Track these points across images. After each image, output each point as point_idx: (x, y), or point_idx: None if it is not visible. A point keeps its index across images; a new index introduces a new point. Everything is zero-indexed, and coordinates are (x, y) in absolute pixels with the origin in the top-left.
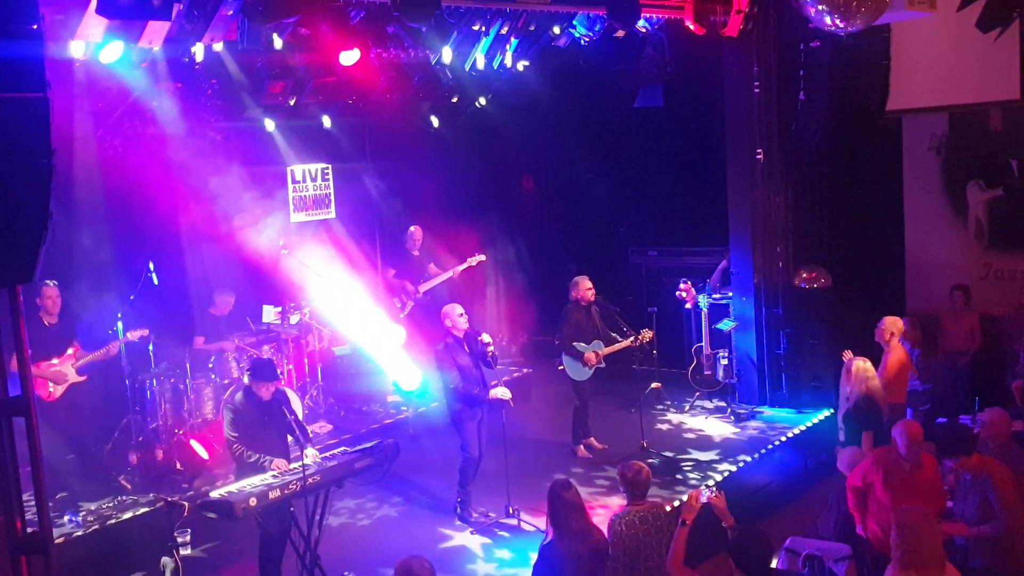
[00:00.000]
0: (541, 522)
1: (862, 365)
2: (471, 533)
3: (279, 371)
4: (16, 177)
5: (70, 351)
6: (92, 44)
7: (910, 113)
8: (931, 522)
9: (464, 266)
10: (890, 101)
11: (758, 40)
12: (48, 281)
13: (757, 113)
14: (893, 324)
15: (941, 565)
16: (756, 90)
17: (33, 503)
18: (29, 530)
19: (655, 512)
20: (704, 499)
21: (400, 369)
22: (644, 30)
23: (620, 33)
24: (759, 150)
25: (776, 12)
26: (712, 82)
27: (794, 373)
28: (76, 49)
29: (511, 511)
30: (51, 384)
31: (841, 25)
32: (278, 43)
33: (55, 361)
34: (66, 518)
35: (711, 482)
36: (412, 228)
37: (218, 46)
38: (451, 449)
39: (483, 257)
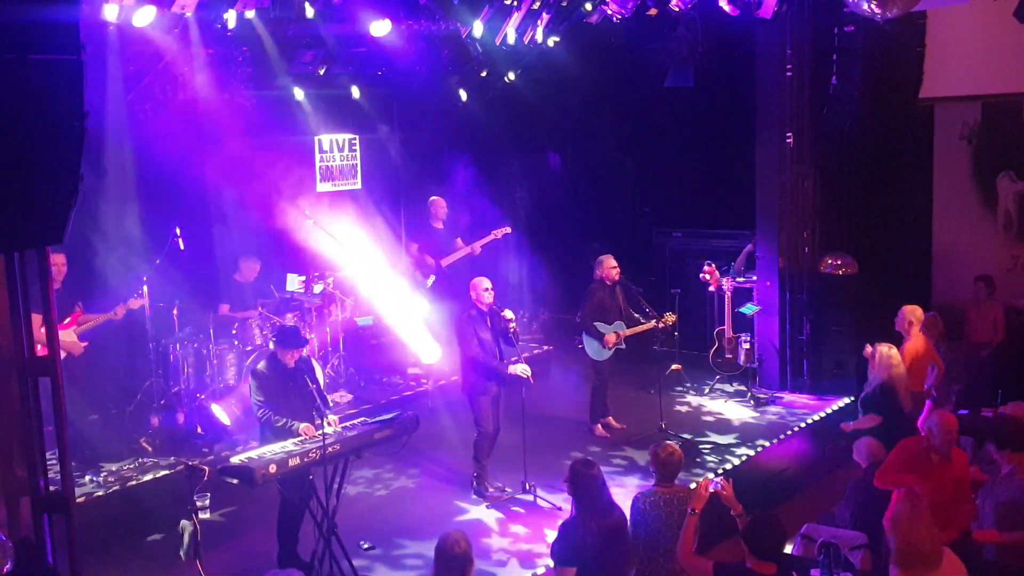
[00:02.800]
0: (557, 499)
1: (887, 351)
2: (487, 507)
3: (306, 339)
4: (49, 139)
5: (72, 318)
6: (126, 7)
7: (943, 101)
8: (920, 516)
9: (488, 239)
10: (923, 89)
11: (792, 23)
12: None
13: (788, 97)
14: (912, 313)
15: (937, 560)
16: (788, 73)
17: (55, 462)
18: (51, 488)
19: (681, 496)
20: (712, 488)
21: (421, 341)
22: (677, 9)
23: (652, 11)
24: (789, 134)
25: None
26: (744, 64)
27: (816, 359)
28: (110, 12)
29: (527, 487)
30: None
31: (878, 11)
32: (310, 12)
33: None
34: (87, 478)
35: (719, 470)
36: (433, 199)
37: (250, 13)
38: (469, 424)
39: (508, 229)
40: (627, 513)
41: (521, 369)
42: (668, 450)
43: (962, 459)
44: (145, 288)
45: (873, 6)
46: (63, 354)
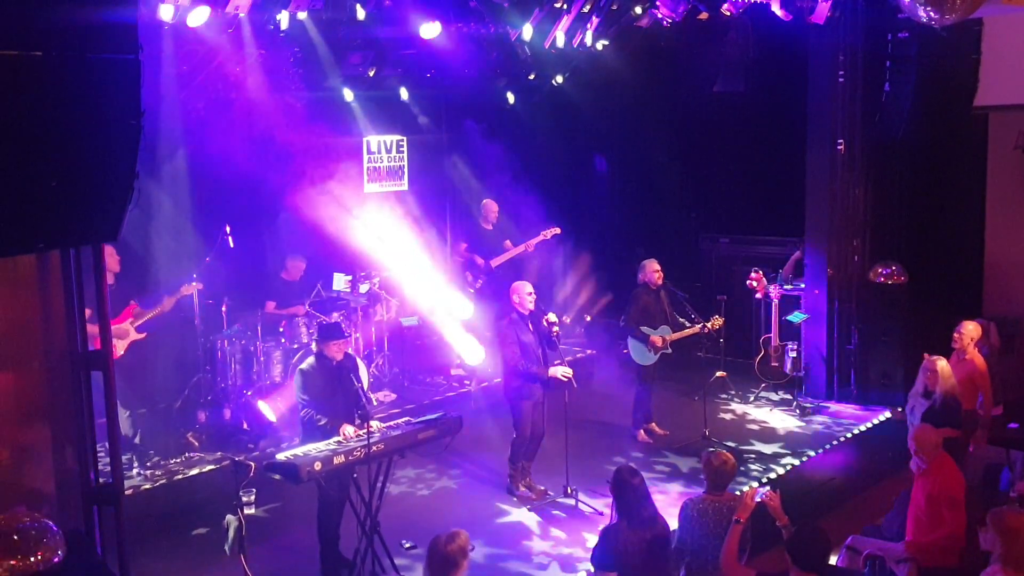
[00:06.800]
0: (598, 504)
1: (944, 365)
2: (528, 510)
3: (346, 331)
4: (106, 137)
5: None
6: (181, 8)
7: (998, 110)
8: None
9: (538, 239)
10: (978, 96)
11: (845, 29)
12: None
13: (840, 103)
14: (975, 330)
15: None
16: (840, 80)
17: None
18: (101, 481)
19: (730, 505)
20: (759, 498)
21: (465, 343)
22: (728, 13)
23: (704, 15)
24: (840, 141)
25: (864, 0)
26: (795, 69)
27: (863, 369)
28: (165, 12)
29: (569, 491)
30: (114, 341)
31: (935, 17)
32: (361, 14)
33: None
34: (135, 471)
35: (765, 480)
36: (485, 201)
37: (302, 14)
38: (512, 426)
39: (558, 230)
40: (673, 522)
41: (562, 371)
42: (722, 458)
43: (950, 474)
44: (194, 284)
45: (931, 12)
46: (127, 342)
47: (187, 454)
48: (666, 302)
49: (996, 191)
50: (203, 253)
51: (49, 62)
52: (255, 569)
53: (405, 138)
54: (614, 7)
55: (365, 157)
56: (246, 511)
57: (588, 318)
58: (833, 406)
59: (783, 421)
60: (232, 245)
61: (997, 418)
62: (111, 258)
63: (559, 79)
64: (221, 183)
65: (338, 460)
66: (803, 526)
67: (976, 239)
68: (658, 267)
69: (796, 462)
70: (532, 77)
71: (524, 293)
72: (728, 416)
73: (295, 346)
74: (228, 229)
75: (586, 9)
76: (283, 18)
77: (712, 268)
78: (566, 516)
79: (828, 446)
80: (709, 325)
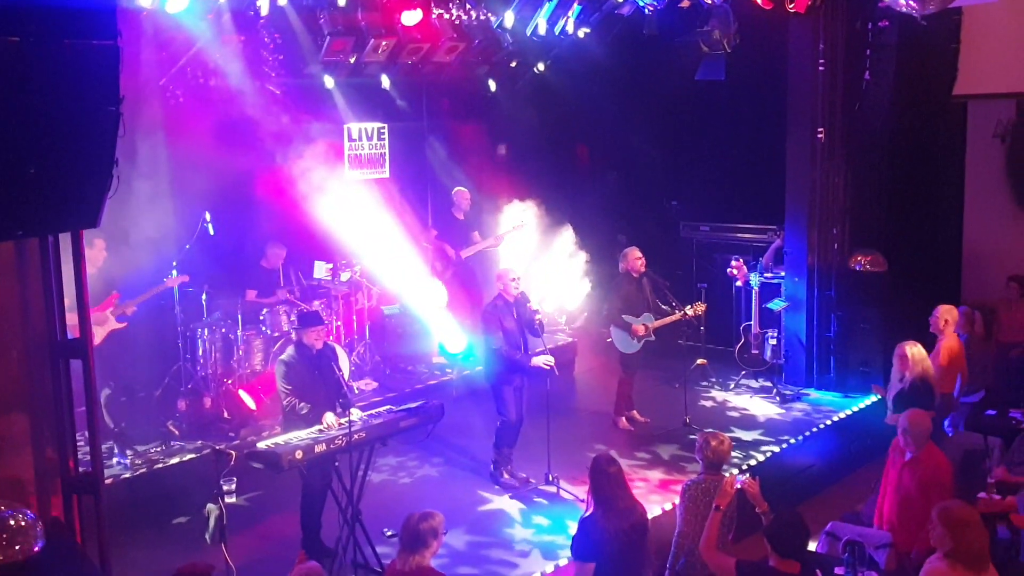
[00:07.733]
0: (580, 491)
1: (916, 350)
2: (510, 498)
3: (324, 319)
4: (85, 123)
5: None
6: None
7: (977, 98)
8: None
9: (508, 232)
10: (957, 85)
11: (826, 17)
12: (98, 239)
13: (821, 92)
14: (948, 312)
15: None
16: (821, 68)
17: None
18: (80, 470)
19: None
20: (738, 485)
21: (446, 331)
22: (710, 1)
23: (685, 3)
24: (821, 129)
25: None
26: (776, 58)
27: (843, 357)
28: None
29: (551, 479)
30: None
31: (915, 7)
32: (342, 0)
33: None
34: (115, 460)
35: (744, 466)
36: (457, 189)
37: (283, 1)
38: (494, 413)
39: (524, 224)
40: (654, 509)
41: (544, 360)
42: (719, 438)
43: (937, 463)
44: (174, 272)
45: (911, 1)
46: (105, 330)
47: (167, 443)
48: (648, 290)
49: (975, 179)
50: (183, 240)
51: (26, 47)
52: (236, 558)
53: (386, 125)
54: None
55: (346, 144)
56: (227, 500)
57: (570, 307)
58: (813, 393)
59: (763, 408)
60: (212, 232)
61: (977, 404)
62: (99, 252)
63: (541, 67)
64: (201, 170)
65: (319, 448)
66: (782, 512)
67: (955, 227)
68: (640, 255)
69: (776, 449)
70: (514, 65)
71: (508, 279)
72: (708, 403)
73: (275, 334)
74: (208, 216)
75: None
76: (263, 4)
77: (693, 256)
78: (548, 503)
79: (807, 433)
80: (691, 311)
